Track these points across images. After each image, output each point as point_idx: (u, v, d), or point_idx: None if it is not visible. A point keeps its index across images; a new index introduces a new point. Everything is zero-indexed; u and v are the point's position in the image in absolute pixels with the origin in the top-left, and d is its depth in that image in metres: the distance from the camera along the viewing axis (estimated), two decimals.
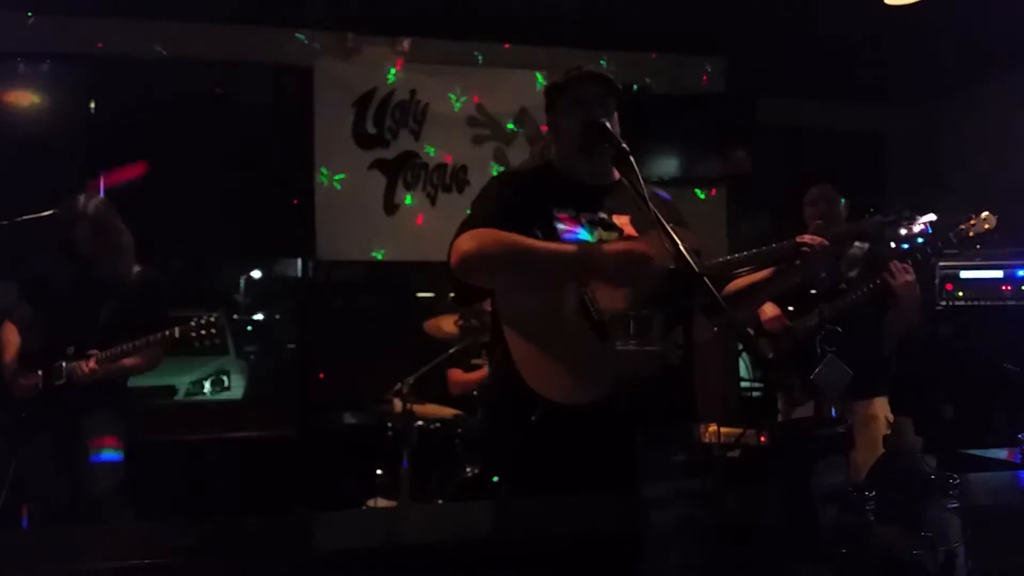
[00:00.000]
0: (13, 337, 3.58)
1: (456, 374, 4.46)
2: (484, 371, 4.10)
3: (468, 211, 2.16)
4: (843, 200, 3.75)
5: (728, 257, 2.20)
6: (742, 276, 2.23)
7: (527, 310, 2.04)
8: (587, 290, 1.96)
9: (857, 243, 3.78)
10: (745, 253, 2.18)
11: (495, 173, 5.11)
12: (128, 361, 3.48)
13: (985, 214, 3.27)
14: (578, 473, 1.87)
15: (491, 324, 2.19)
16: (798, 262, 2.15)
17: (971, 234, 3.27)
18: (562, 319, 1.96)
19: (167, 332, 3.44)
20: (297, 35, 5.14)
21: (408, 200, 5.29)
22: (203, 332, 3.43)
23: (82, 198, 3.56)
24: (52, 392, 3.42)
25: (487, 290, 2.14)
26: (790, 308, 3.68)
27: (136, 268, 3.62)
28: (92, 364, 3.39)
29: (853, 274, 3.64)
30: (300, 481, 4.62)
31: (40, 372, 3.44)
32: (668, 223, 1.88)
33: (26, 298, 3.66)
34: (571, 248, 1.98)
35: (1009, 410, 4.34)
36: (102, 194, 4.30)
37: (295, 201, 5.13)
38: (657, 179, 5.05)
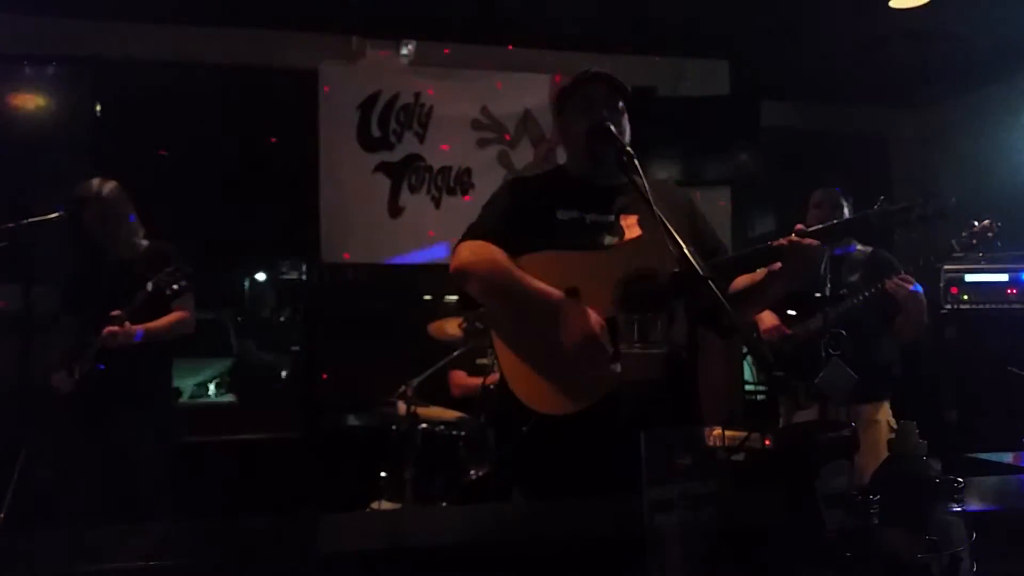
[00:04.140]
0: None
1: (458, 376, 4.45)
2: (487, 377, 4.10)
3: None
4: (845, 203, 3.73)
5: (712, 260, 2.15)
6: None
7: (514, 323, 2.06)
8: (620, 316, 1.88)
9: (859, 247, 3.77)
10: (727, 257, 2.15)
11: (502, 177, 5.17)
12: (151, 325, 3.51)
13: (987, 221, 3.28)
14: (577, 481, 1.87)
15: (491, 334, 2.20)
16: (780, 264, 2.02)
17: (973, 241, 3.28)
18: (548, 331, 1.95)
19: (140, 292, 3.43)
20: (302, 38, 5.14)
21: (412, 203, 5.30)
22: (174, 286, 3.46)
23: (95, 181, 3.60)
24: (85, 385, 3.47)
25: None
26: (791, 312, 3.67)
27: (144, 243, 3.70)
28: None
29: (855, 278, 3.63)
30: (305, 483, 4.62)
31: (75, 367, 3.49)
32: (683, 216, 1.87)
33: (62, 308, 3.71)
34: (552, 300, 1.93)
35: (1014, 414, 4.32)
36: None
37: (300, 204, 5.14)
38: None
